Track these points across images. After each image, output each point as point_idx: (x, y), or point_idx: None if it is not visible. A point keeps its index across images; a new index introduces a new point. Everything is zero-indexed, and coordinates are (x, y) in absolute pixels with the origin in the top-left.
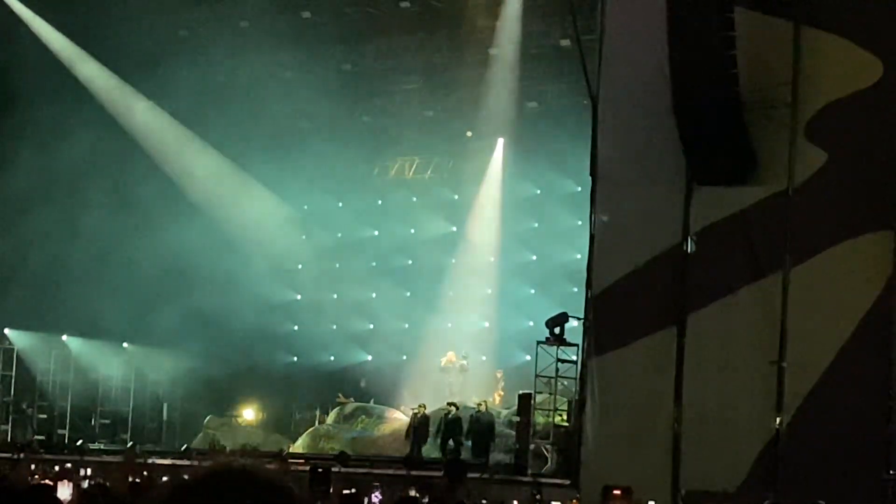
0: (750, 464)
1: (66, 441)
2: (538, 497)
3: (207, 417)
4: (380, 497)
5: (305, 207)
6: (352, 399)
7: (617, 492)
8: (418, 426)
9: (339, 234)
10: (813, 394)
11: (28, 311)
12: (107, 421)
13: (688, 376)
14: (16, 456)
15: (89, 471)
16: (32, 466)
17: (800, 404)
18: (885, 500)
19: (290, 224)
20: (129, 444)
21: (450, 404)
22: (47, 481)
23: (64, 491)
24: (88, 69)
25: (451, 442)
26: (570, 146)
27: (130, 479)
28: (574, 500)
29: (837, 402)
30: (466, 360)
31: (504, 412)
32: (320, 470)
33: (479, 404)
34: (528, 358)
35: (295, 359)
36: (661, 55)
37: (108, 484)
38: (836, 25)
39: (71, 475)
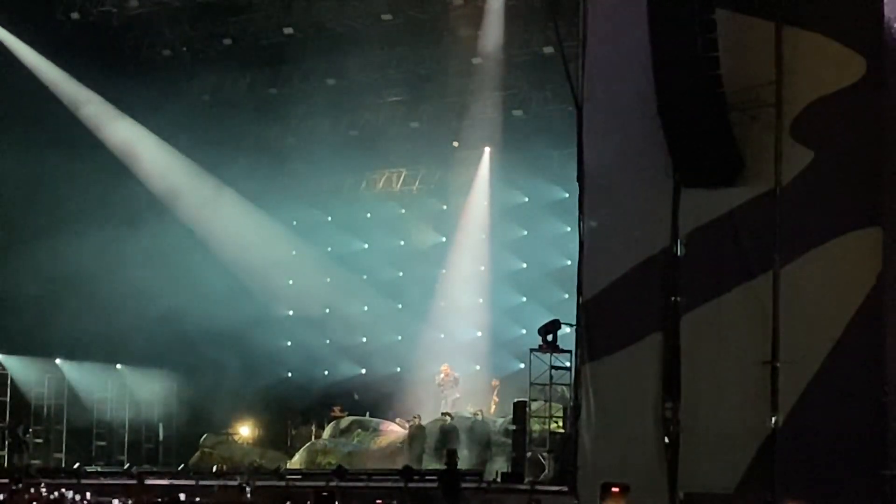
0: (747, 464)
1: (63, 465)
2: None
3: (204, 436)
4: None
5: (294, 223)
6: (347, 413)
7: (615, 489)
8: (415, 437)
9: (329, 249)
10: (807, 392)
11: (20, 335)
12: (103, 443)
13: (682, 379)
14: (14, 486)
15: (88, 495)
16: (30, 493)
17: (794, 403)
18: (883, 497)
19: (280, 240)
20: (127, 465)
21: (444, 414)
22: None
23: None
24: (69, 89)
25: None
26: (556, 153)
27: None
28: None
29: (832, 400)
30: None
31: (500, 421)
32: (325, 493)
33: (475, 413)
34: (522, 366)
35: (289, 374)
36: (645, 59)
37: None
38: (817, 24)
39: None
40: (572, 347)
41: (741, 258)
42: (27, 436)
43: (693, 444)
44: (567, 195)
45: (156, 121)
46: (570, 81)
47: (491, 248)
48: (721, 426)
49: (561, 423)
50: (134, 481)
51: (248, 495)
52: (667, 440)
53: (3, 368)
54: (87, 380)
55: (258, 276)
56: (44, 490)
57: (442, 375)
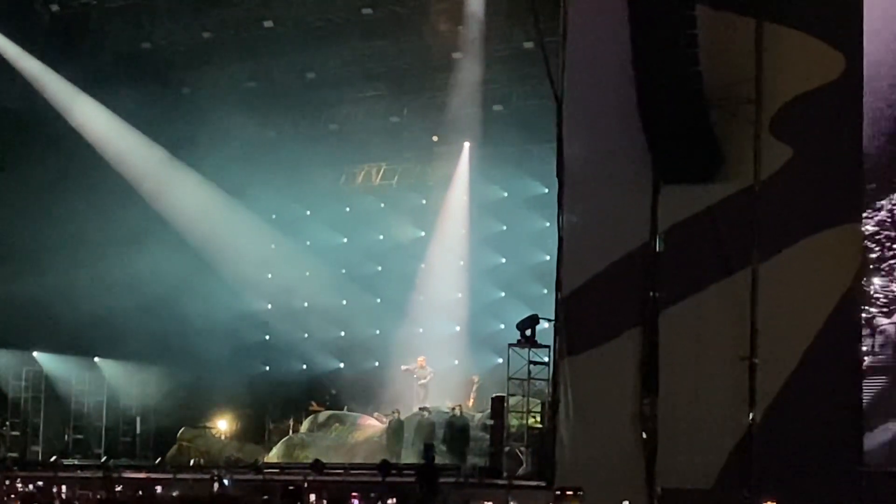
0: (724, 460)
1: (40, 457)
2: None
3: (181, 429)
4: None
5: (273, 216)
6: (325, 406)
7: (568, 492)
8: (394, 432)
9: (308, 243)
10: (784, 388)
11: None
12: (80, 436)
13: (660, 374)
14: None
15: (64, 488)
16: (6, 485)
17: (772, 399)
18: (859, 493)
19: (259, 233)
20: (104, 458)
21: (422, 409)
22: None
23: None
24: (48, 82)
25: (423, 447)
26: (536, 148)
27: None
28: None
29: (809, 396)
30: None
31: (478, 416)
32: (291, 487)
33: (453, 408)
34: (500, 361)
35: (267, 368)
36: (625, 55)
37: None
38: (797, 21)
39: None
40: (551, 343)
41: (720, 254)
42: (4, 428)
43: (671, 439)
44: (546, 190)
45: (135, 114)
46: (550, 77)
47: (470, 243)
48: (699, 422)
49: (539, 419)
50: (110, 475)
51: (216, 487)
52: (645, 435)
53: None
54: (64, 373)
55: (237, 269)
56: (19, 483)
57: (415, 365)
